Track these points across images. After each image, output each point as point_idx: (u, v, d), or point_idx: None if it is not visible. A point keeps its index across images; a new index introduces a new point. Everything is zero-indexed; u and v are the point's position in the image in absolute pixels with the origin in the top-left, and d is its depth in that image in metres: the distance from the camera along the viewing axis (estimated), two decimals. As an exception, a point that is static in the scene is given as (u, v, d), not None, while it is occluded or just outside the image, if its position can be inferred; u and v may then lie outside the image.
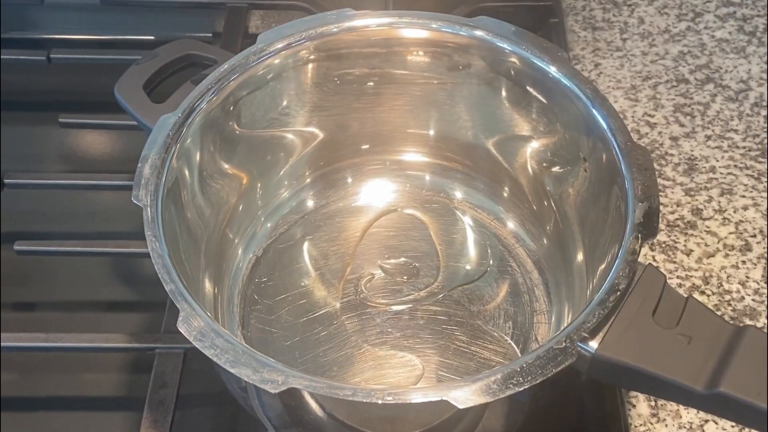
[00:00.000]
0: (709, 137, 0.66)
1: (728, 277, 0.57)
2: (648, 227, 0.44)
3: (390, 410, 0.41)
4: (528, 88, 0.55)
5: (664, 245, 0.59)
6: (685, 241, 0.59)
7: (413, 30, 0.56)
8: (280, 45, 0.54)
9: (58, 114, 0.67)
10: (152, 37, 0.79)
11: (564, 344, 0.40)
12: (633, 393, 0.53)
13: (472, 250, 0.59)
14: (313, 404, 0.43)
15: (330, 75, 0.57)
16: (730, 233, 0.60)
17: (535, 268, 0.57)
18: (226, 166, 0.55)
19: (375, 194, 0.61)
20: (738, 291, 0.57)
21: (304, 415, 0.45)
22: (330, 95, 0.58)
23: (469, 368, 0.52)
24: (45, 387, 0.58)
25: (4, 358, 0.56)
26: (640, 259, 0.43)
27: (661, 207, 0.55)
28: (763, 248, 0.59)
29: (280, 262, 0.58)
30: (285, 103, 0.57)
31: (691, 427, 0.51)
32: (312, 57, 0.56)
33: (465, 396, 0.39)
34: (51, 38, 0.80)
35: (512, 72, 0.55)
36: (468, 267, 0.58)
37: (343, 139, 0.60)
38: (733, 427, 0.51)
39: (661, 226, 0.60)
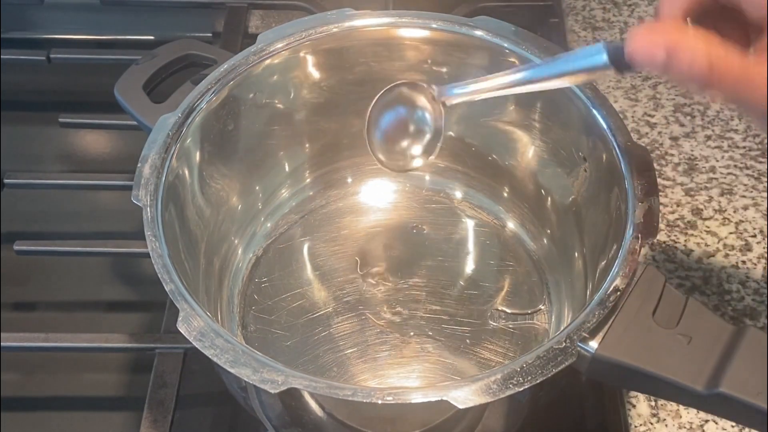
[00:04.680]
0: (709, 137, 0.66)
1: (728, 277, 0.57)
2: (648, 227, 0.45)
3: (390, 410, 0.41)
4: (528, 88, 0.55)
5: (664, 245, 0.59)
6: (685, 241, 0.59)
7: (413, 30, 0.56)
8: (280, 45, 0.54)
9: (58, 114, 0.67)
10: (152, 37, 0.80)
11: (564, 344, 0.40)
12: (633, 393, 0.53)
13: (472, 250, 0.59)
14: (313, 404, 0.43)
15: (330, 75, 0.57)
16: (730, 233, 0.60)
17: (535, 268, 0.57)
18: (226, 166, 0.55)
19: (375, 194, 0.61)
20: (738, 291, 0.57)
21: (304, 415, 0.45)
22: (330, 95, 0.58)
23: (470, 368, 0.52)
24: (45, 387, 0.58)
25: (5, 357, 0.57)
26: (640, 259, 0.43)
27: (661, 207, 0.55)
28: (763, 248, 0.59)
29: (280, 262, 0.58)
30: (285, 102, 0.57)
31: (691, 427, 0.51)
32: (312, 57, 0.56)
33: (465, 396, 0.39)
34: (51, 38, 0.80)
35: (512, 72, 0.55)
36: (468, 267, 0.58)
37: (343, 139, 0.60)
38: (733, 427, 0.51)
39: (661, 226, 0.60)
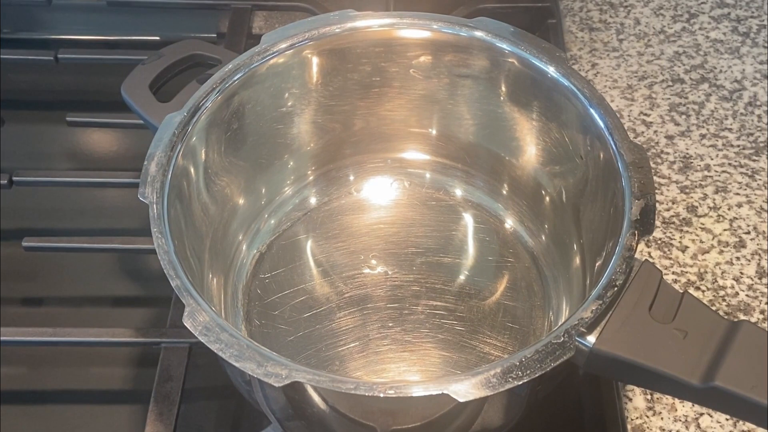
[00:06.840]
0: (703, 136, 0.66)
1: (723, 273, 0.58)
2: (644, 224, 0.45)
3: (391, 403, 0.42)
4: (527, 87, 0.55)
5: (659, 242, 0.60)
6: (681, 237, 0.60)
7: (414, 31, 0.56)
8: (283, 45, 0.55)
9: (65, 113, 0.67)
10: (158, 38, 0.80)
11: (562, 339, 0.41)
12: (629, 386, 0.53)
13: (471, 247, 0.60)
14: (316, 397, 0.44)
15: (332, 75, 0.58)
16: (725, 230, 0.60)
17: (534, 264, 0.58)
18: (231, 163, 0.56)
19: (376, 192, 0.62)
20: (732, 287, 0.57)
21: (307, 408, 0.45)
22: (332, 95, 0.59)
23: (469, 362, 0.53)
24: (52, 381, 0.58)
25: (13, 352, 0.57)
26: (637, 255, 0.44)
27: (657, 204, 0.55)
28: (757, 245, 0.59)
29: (284, 259, 0.58)
30: (288, 102, 0.58)
31: (686, 420, 0.52)
32: (315, 57, 0.56)
33: (465, 389, 0.39)
34: (58, 39, 0.81)
35: (511, 72, 0.56)
36: (468, 263, 0.58)
37: (345, 138, 0.61)
38: (727, 420, 0.52)
39: (657, 223, 0.61)
